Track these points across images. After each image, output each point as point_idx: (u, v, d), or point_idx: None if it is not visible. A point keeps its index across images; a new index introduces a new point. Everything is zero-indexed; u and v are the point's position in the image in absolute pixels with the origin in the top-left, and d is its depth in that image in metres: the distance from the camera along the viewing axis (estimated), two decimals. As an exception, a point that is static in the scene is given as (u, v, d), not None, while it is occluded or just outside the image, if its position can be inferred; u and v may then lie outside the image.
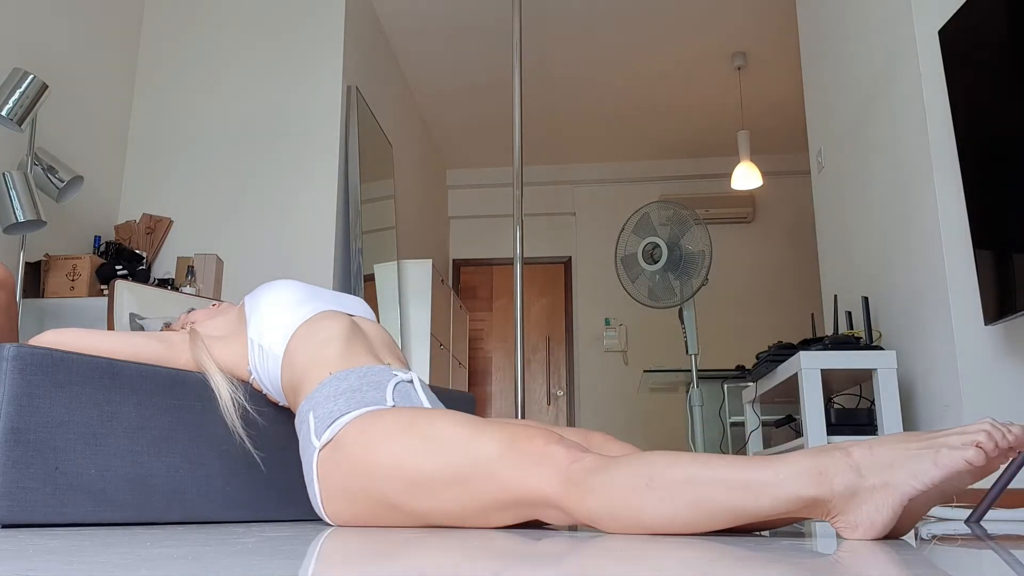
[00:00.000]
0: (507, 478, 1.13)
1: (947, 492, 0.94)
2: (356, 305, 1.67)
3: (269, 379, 1.53)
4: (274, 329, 1.53)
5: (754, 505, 0.96)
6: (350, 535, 1.08)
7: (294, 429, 1.63)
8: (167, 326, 1.84)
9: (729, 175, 6.43)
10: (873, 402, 2.74)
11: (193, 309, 1.79)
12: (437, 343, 4.39)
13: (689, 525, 1.00)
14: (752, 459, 0.99)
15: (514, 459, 1.13)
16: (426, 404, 1.42)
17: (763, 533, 1.15)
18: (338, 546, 0.88)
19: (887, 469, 0.93)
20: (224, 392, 1.44)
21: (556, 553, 0.80)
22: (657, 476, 1.01)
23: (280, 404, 1.59)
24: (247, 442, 1.48)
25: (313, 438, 1.34)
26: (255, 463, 1.52)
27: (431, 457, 1.19)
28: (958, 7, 2.61)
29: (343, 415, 1.32)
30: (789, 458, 0.97)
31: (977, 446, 0.90)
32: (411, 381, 1.46)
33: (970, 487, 0.98)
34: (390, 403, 1.35)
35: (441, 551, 0.80)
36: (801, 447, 2.86)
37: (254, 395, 1.56)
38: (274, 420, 1.59)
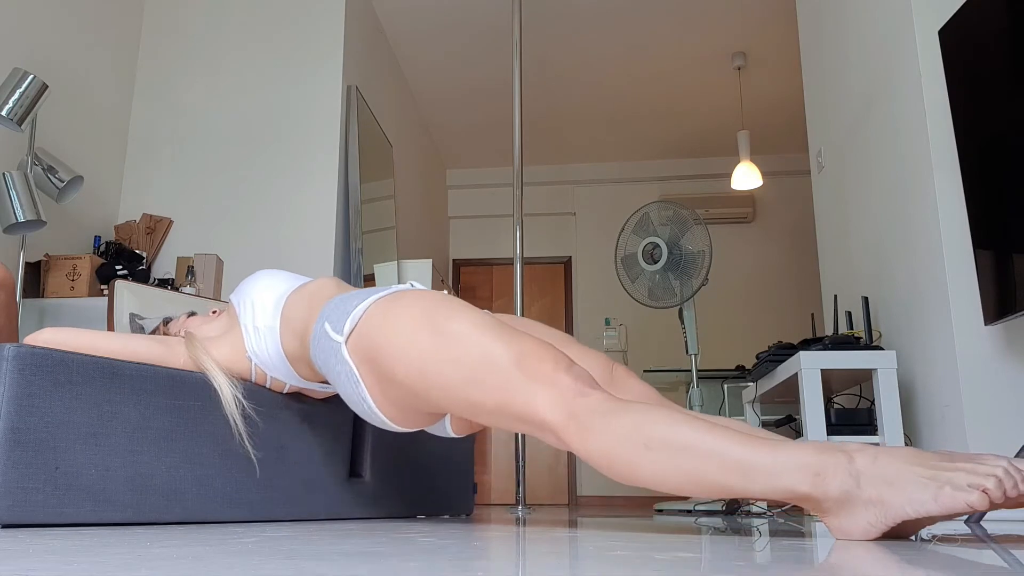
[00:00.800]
0: (512, 394, 1.15)
1: (944, 519, 0.92)
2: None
3: (271, 356, 1.54)
4: (264, 309, 1.57)
5: (745, 487, 0.96)
6: (350, 535, 1.08)
7: (293, 429, 1.63)
8: (166, 323, 1.84)
9: (729, 175, 6.43)
10: (873, 402, 2.74)
11: (194, 312, 1.80)
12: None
13: (680, 490, 1.01)
14: (754, 438, 0.97)
15: (521, 377, 1.14)
16: None
17: (759, 512, 1.15)
18: (337, 545, 0.88)
19: (886, 486, 0.91)
20: (226, 389, 1.45)
21: (554, 554, 0.80)
22: (656, 438, 1.01)
23: (286, 389, 1.59)
24: (246, 439, 1.48)
25: (334, 335, 1.35)
26: (255, 463, 1.52)
27: (443, 354, 1.21)
28: (958, 7, 2.61)
29: (357, 306, 1.34)
30: (791, 447, 0.95)
31: (983, 491, 0.87)
32: (411, 287, 1.49)
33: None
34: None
35: (440, 551, 0.80)
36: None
37: (253, 395, 1.56)
38: (274, 420, 1.59)
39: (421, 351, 1.23)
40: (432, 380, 1.22)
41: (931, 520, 0.92)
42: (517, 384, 1.14)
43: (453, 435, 1.48)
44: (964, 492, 0.87)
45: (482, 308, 6.66)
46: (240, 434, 1.47)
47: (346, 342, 1.34)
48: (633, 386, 1.46)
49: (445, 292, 1.42)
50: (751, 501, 1.17)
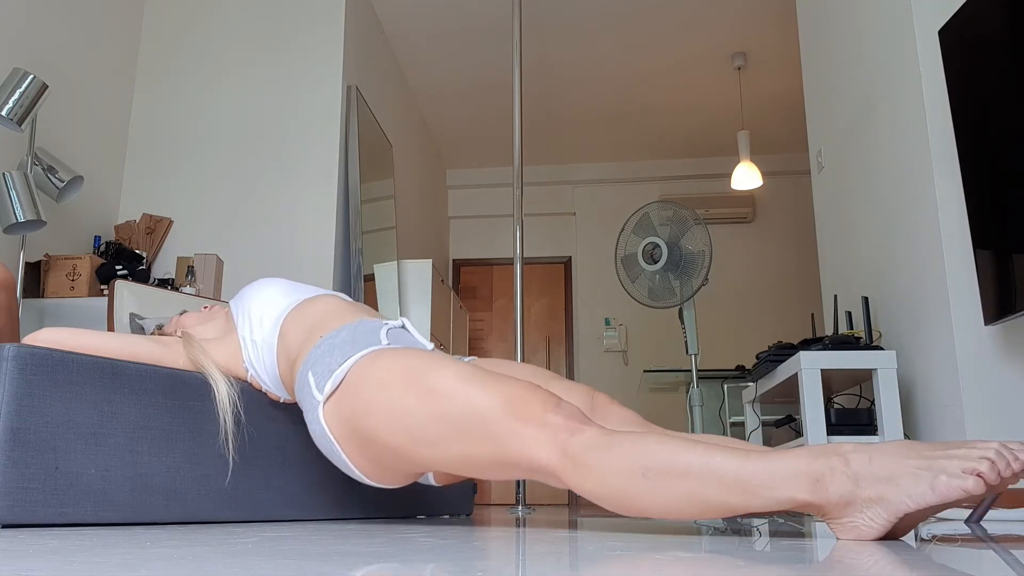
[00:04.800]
0: (504, 441, 1.13)
1: (944, 508, 0.93)
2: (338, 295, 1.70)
3: (266, 371, 1.54)
4: (262, 323, 1.56)
5: (747, 503, 0.96)
6: (350, 535, 1.08)
7: (293, 429, 1.63)
8: (159, 328, 1.85)
9: (729, 175, 6.43)
10: (873, 402, 2.74)
11: (185, 311, 1.80)
12: (437, 343, 4.39)
13: (684, 514, 1.01)
14: (750, 452, 0.98)
15: (511, 423, 1.13)
16: (423, 343, 1.44)
17: (761, 520, 1.15)
18: (337, 546, 0.88)
19: (884, 483, 0.91)
20: (222, 387, 1.45)
21: (554, 554, 0.80)
22: (652, 467, 1.01)
23: (281, 400, 1.59)
24: (231, 439, 1.47)
25: (315, 393, 1.34)
26: (255, 463, 1.52)
27: (430, 411, 1.19)
28: (958, 7, 2.61)
29: (340, 364, 1.32)
30: (787, 457, 0.96)
31: (978, 475, 0.88)
32: (402, 326, 1.48)
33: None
34: (385, 343, 1.36)
35: (440, 551, 0.80)
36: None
37: (252, 398, 1.56)
38: (272, 420, 1.59)
39: (406, 410, 1.21)
40: (420, 438, 1.20)
41: (933, 510, 0.92)
42: (508, 431, 1.12)
43: (435, 485, 1.46)
44: (959, 479, 0.88)
45: (482, 309, 6.67)
46: (226, 433, 1.46)
47: (324, 403, 1.32)
48: (615, 412, 1.44)
49: (431, 346, 1.41)
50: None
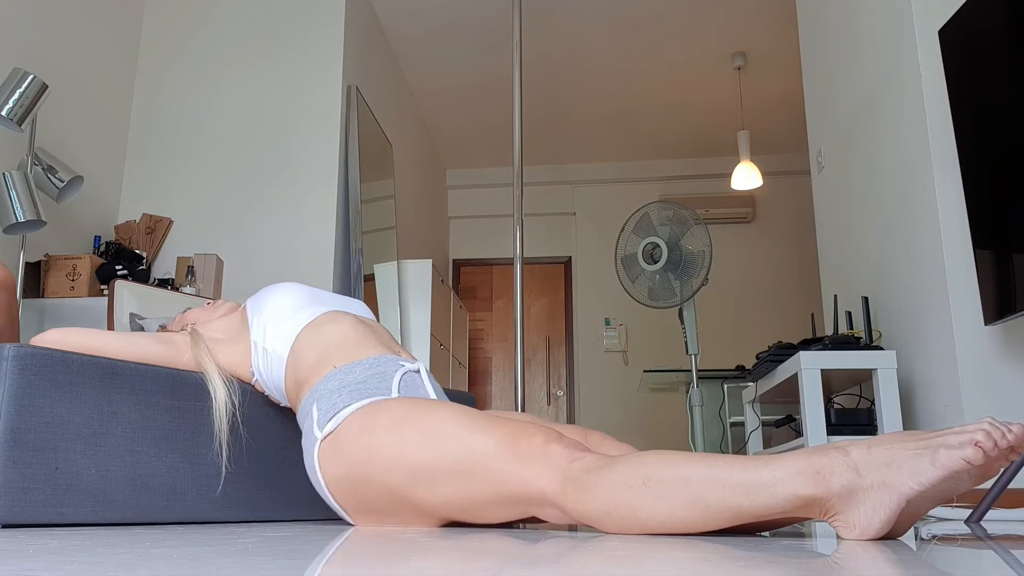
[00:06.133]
0: (506, 474, 1.13)
1: (946, 493, 0.94)
2: (357, 307, 1.68)
3: (272, 381, 1.53)
4: (277, 332, 1.54)
5: (751, 504, 0.96)
6: (349, 535, 1.08)
7: (293, 430, 1.63)
8: (163, 328, 1.84)
9: (729, 175, 6.44)
10: (873, 402, 2.74)
11: (189, 308, 1.79)
12: (437, 343, 4.39)
13: (687, 524, 1.00)
14: (750, 458, 0.99)
15: (513, 456, 1.13)
16: (432, 395, 1.43)
17: (763, 534, 1.15)
18: (338, 546, 0.88)
19: (885, 468, 0.92)
20: (220, 394, 1.44)
21: (553, 554, 0.80)
22: (654, 475, 1.01)
23: (282, 405, 1.59)
24: (224, 447, 1.46)
25: (316, 430, 1.34)
26: (256, 463, 1.52)
27: (430, 449, 1.19)
28: (958, 7, 2.61)
29: (346, 407, 1.32)
30: (787, 457, 0.97)
31: (976, 445, 0.89)
32: (418, 371, 1.47)
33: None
34: (395, 394, 1.36)
35: (438, 551, 0.80)
36: (801, 447, 2.85)
37: (254, 397, 1.56)
38: (274, 420, 1.59)
39: (406, 449, 1.21)
40: (420, 477, 1.20)
41: (934, 491, 0.92)
42: (510, 464, 1.13)
43: None
44: (958, 449, 0.90)
45: (482, 309, 6.67)
46: (220, 440, 1.45)
47: (321, 441, 1.32)
48: (611, 447, 1.44)
49: (433, 396, 1.41)
50: (758, 528, 1.17)
